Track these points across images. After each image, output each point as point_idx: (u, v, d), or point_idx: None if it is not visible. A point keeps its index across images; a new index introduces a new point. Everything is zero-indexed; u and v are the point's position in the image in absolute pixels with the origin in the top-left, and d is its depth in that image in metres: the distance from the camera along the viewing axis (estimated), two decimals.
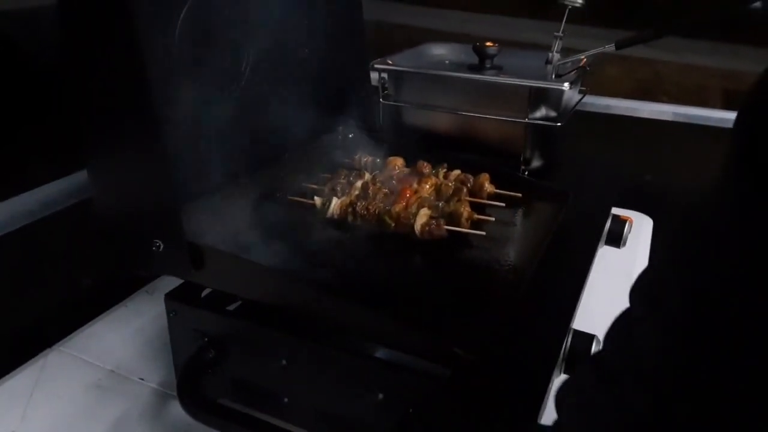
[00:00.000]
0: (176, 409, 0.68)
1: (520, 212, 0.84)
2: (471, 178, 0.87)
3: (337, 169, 0.89)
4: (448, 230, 0.75)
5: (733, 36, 1.37)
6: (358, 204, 0.78)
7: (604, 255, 0.87)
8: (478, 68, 1.07)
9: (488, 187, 0.85)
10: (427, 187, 0.84)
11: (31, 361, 0.83)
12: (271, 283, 0.66)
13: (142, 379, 0.81)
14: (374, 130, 1.04)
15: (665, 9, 1.41)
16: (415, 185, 0.83)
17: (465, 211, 0.77)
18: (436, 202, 0.80)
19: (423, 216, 0.75)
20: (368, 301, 0.62)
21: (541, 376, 0.58)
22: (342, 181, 0.84)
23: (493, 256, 0.73)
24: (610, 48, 0.96)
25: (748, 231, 0.34)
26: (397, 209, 0.76)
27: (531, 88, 0.98)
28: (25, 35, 0.89)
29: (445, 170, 0.89)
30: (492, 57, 1.07)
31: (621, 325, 0.43)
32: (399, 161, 0.91)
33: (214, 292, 0.73)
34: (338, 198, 0.80)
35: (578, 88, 1.13)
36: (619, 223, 0.89)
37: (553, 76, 1.02)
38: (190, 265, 0.66)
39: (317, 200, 0.80)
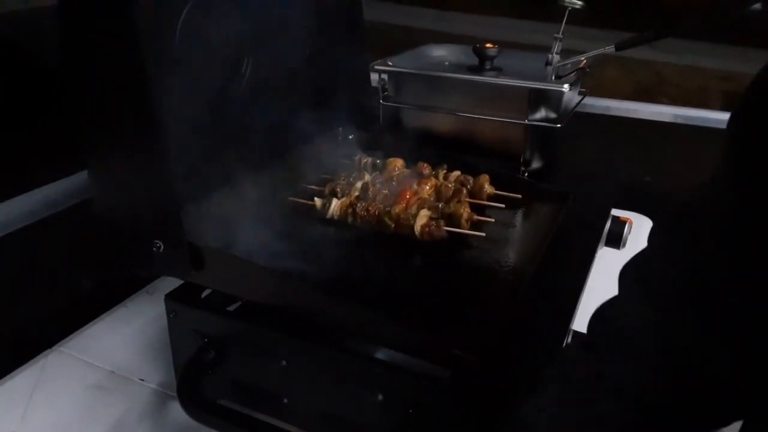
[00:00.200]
0: (176, 409, 0.68)
1: (519, 213, 0.85)
2: (471, 179, 0.87)
3: (337, 170, 0.89)
4: (447, 231, 0.75)
5: (733, 38, 1.38)
6: (358, 205, 0.78)
7: (604, 256, 0.87)
8: (478, 69, 1.07)
9: (488, 189, 0.85)
10: (427, 188, 0.84)
11: (31, 362, 0.83)
12: (271, 284, 0.66)
13: (142, 380, 0.81)
14: (374, 132, 1.04)
15: (665, 10, 1.42)
16: (415, 186, 0.84)
17: (465, 212, 0.77)
18: (436, 203, 0.80)
19: (423, 217, 0.75)
20: (368, 302, 0.62)
21: (540, 377, 0.58)
22: (342, 182, 0.84)
23: (492, 257, 0.74)
24: (610, 49, 0.96)
25: (735, 219, 0.35)
26: (397, 210, 0.76)
27: (531, 89, 0.98)
28: (25, 36, 0.89)
29: (445, 171, 0.89)
30: (492, 58, 1.07)
31: (607, 305, 0.45)
32: (399, 162, 0.91)
33: (214, 292, 0.73)
34: (338, 199, 0.80)
35: (578, 89, 1.13)
36: (619, 224, 0.89)
37: (553, 78, 1.02)
38: (190, 266, 0.66)
39: (317, 201, 0.80)
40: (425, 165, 0.90)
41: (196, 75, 0.76)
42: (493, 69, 1.07)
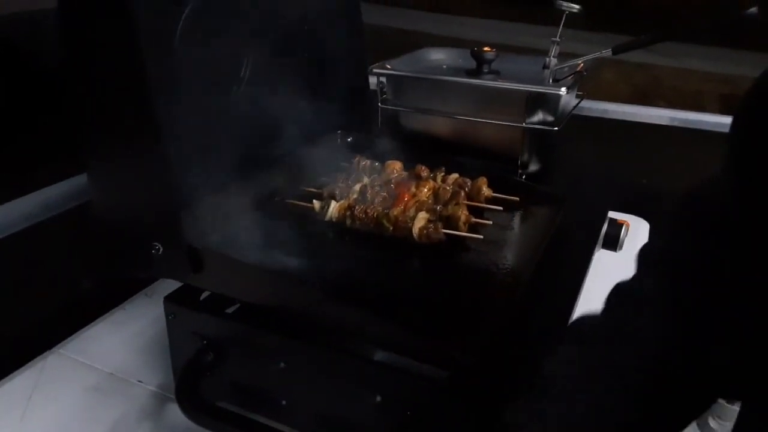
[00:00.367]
0: (175, 412, 0.68)
1: (517, 216, 0.85)
2: (469, 182, 0.87)
3: (335, 173, 0.89)
4: (445, 234, 0.75)
5: (730, 41, 1.38)
6: (357, 207, 0.78)
7: (601, 258, 0.87)
8: (475, 73, 1.07)
9: (486, 191, 0.86)
10: (425, 190, 0.84)
11: (30, 364, 0.83)
12: (270, 286, 0.66)
13: (141, 382, 0.81)
14: (373, 134, 1.04)
15: (662, 14, 1.42)
16: (413, 189, 0.84)
17: (463, 214, 0.77)
18: (434, 206, 0.80)
19: (421, 219, 0.75)
20: (366, 305, 0.62)
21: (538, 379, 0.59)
22: (340, 184, 0.84)
23: (490, 259, 0.74)
24: (607, 53, 0.97)
25: (736, 221, 0.36)
26: (395, 213, 0.77)
27: (528, 92, 0.99)
28: (26, 38, 0.90)
29: (443, 174, 0.90)
30: (490, 62, 1.07)
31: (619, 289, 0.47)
32: (397, 165, 0.91)
33: (213, 295, 0.73)
34: (337, 201, 0.80)
35: (575, 92, 1.13)
36: (616, 226, 0.90)
37: (551, 81, 1.03)
38: (189, 268, 0.66)
39: (316, 204, 0.81)
40: (423, 167, 0.90)
41: (196, 76, 0.76)
42: (490, 72, 1.07)
